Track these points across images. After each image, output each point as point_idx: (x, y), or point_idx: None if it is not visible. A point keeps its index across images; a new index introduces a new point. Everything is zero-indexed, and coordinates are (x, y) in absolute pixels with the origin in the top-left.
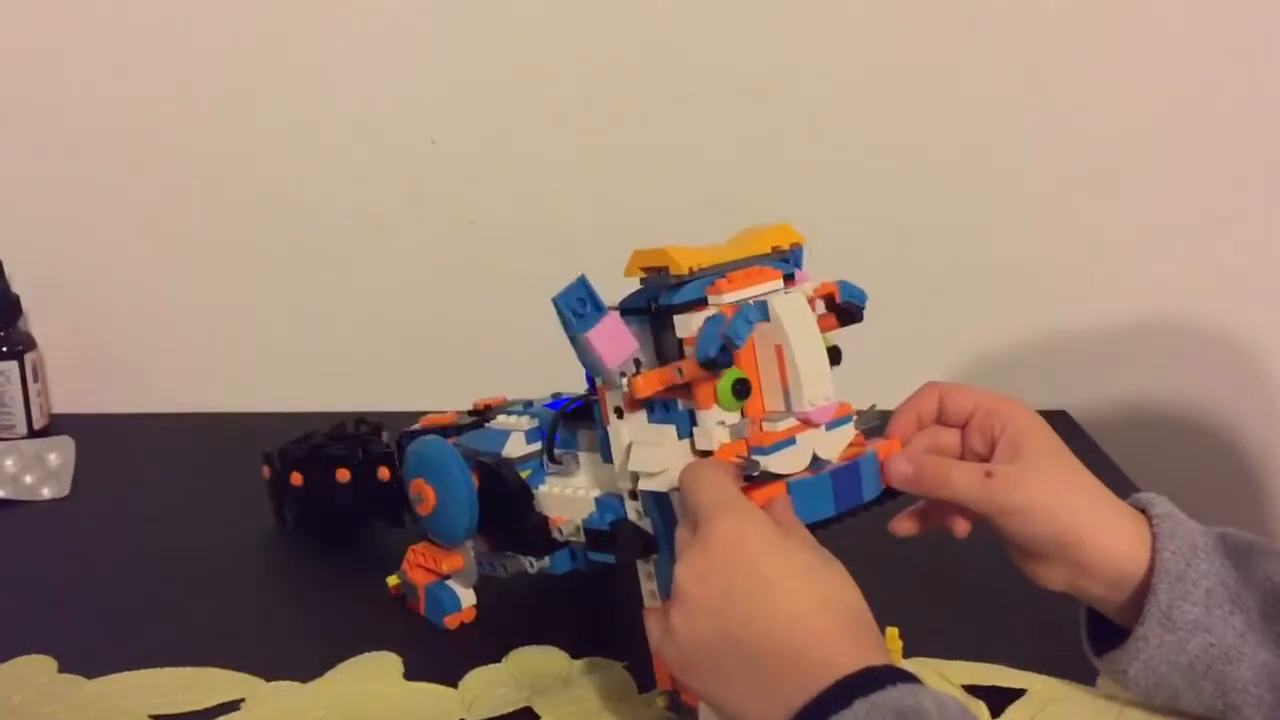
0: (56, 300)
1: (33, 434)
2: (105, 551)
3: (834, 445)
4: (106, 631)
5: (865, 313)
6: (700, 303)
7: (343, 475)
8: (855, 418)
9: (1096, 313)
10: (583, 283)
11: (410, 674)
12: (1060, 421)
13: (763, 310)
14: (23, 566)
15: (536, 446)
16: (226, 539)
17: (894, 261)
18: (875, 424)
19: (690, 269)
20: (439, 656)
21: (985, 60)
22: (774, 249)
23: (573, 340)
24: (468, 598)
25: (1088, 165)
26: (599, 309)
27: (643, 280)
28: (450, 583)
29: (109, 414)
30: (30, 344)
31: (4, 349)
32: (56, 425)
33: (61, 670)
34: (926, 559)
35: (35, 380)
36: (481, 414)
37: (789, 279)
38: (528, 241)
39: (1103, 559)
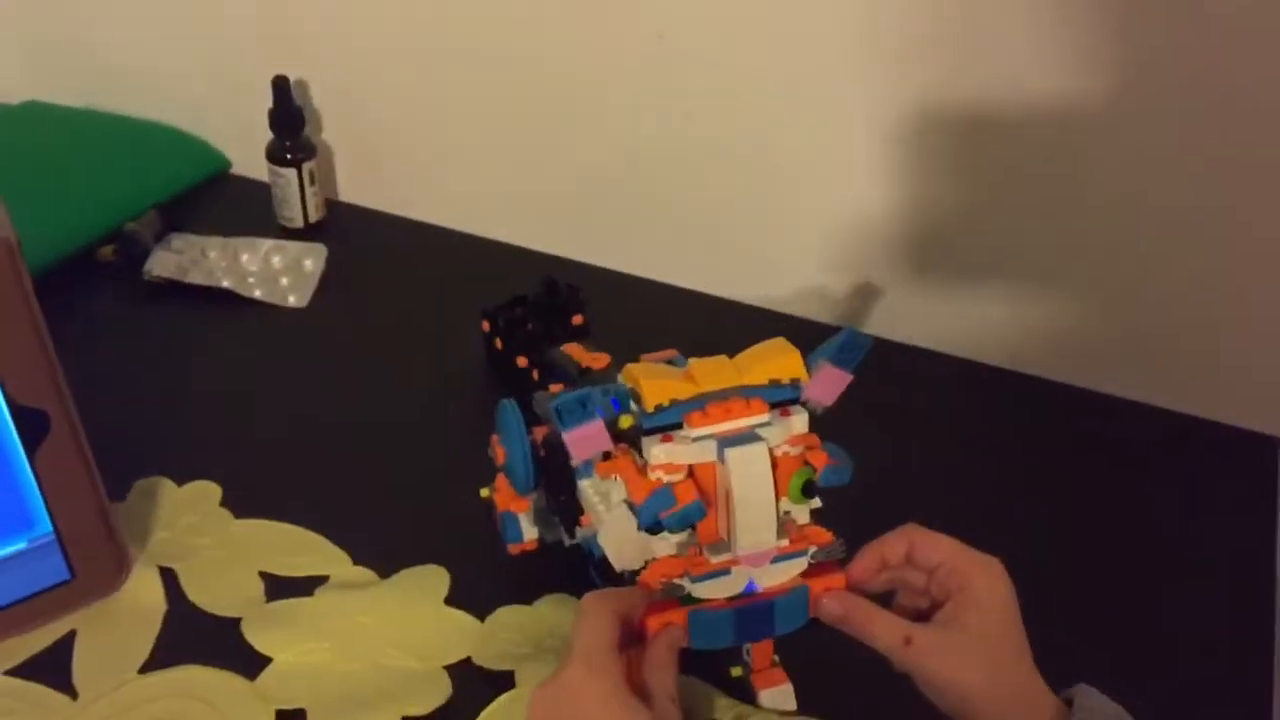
0: (340, 109)
1: (308, 227)
2: (308, 378)
3: (774, 578)
4: (269, 468)
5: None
6: (675, 427)
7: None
8: (814, 551)
9: None
10: (589, 394)
11: (456, 591)
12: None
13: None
14: (240, 376)
15: None
16: (419, 389)
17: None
18: (836, 558)
19: (657, 405)
20: (488, 580)
21: None
22: (771, 381)
23: None
24: (530, 532)
25: None
26: (588, 416)
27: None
28: (520, 515)
29: (380, 211)
30: (311, 152)
31: (288, 156)
32: (332, 216)
33: (222, 503)
34: None
35: (312, 184)
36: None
37: (786, 407)
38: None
39: None
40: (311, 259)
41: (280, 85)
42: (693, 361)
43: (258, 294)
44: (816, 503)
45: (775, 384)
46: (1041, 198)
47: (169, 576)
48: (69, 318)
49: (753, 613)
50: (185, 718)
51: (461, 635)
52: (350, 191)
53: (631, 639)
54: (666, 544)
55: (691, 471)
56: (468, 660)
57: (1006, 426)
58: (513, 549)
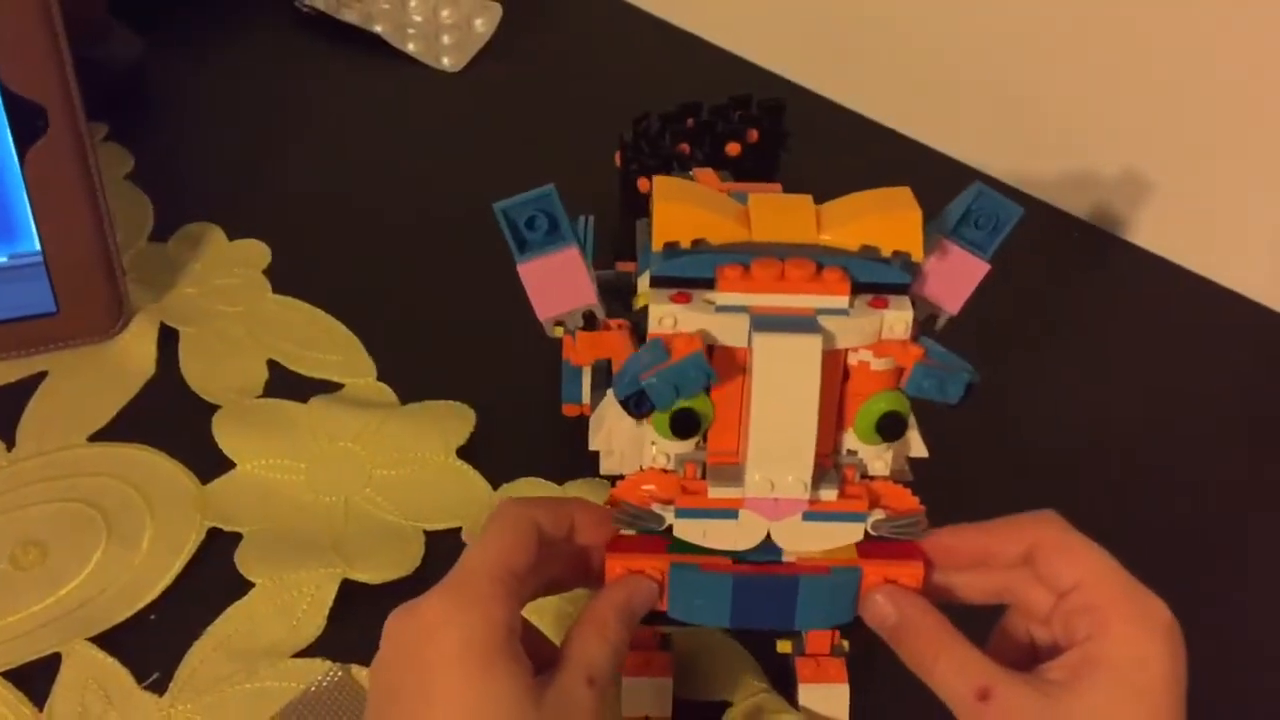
0: None
1: None
2: (430, 155)
3: (806, 542)
4: (336, 242)
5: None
6: (702, 285)
7: None
8: (878, 519)
9: None
10: (547, 196)
11: (477, 443)
12: None
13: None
14: (354, 134)
15: None
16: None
17: None
18: (908, 535)
19: (669, 244)
20: (522, 441)
21: None
22: (864, 247)
23: None
24: (589, 394)
25: None
26: (558, 237)
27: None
28: (585, 374)
29: None
30: None
31: None
32: None
33: (266, 270)
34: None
35: None
36: None
37: (880, 293)
38: None
39: None
40: (484, 19)
41: None
42: (754, 195)
43: (410, 48)
44: (920, 450)
45: (870, 253)
46: None
47: (169, 339)
48: (208, 31)
49: (762, 587)
50: (108, 502)
51: (462, 497)
52: None
53: (588, 578)
54: (661, 451)
55: (711, 358)
56: (457, 532)
57: None
58: (567, 409)
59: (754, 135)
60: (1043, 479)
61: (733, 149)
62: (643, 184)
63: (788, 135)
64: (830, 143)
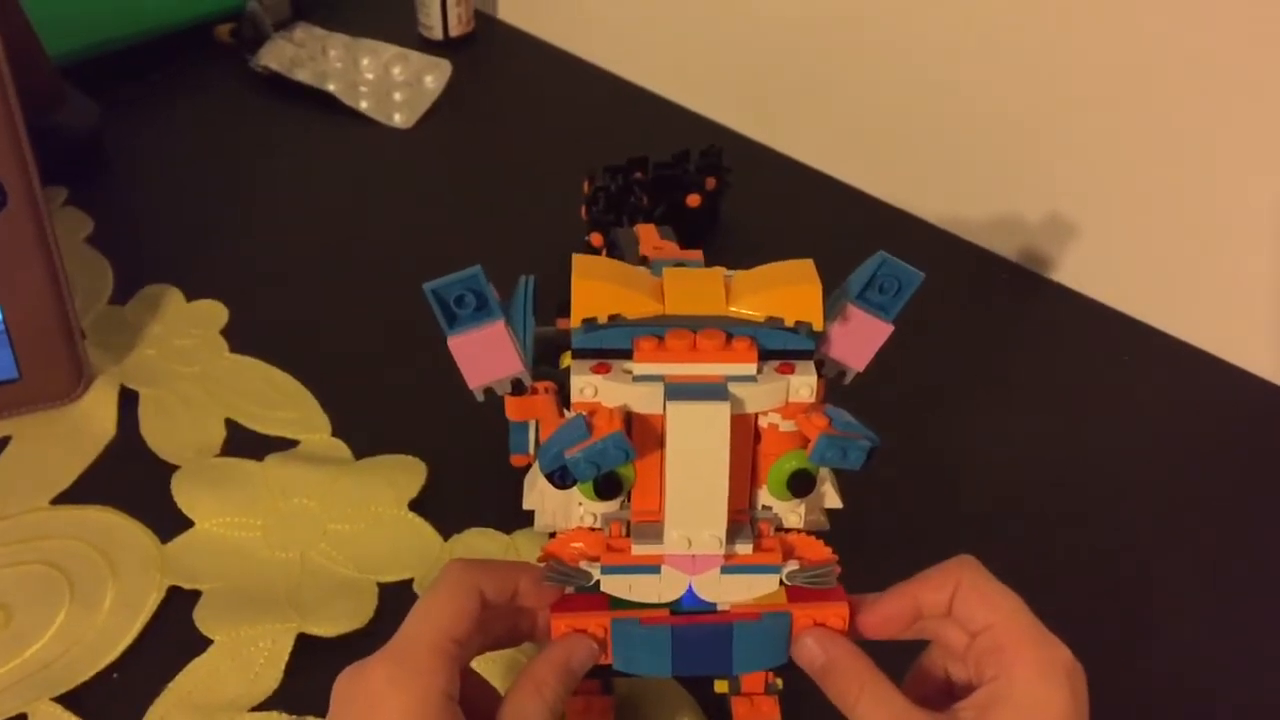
0: None
1: (448, 41)
2: (382, 211)
3: (726, 591)
4: (291, 301)
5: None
6: (621, 355)
7: None
8: (792, 570)
9: None
10: (474, 276)
11: (428, 496)
12: None
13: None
14: (308, 193)
15: None
16: (503, 253)
17: None
18: (821, 584)
19: (587, 319)
20: (472, 493)
21: None
22: (770, 318)
23: None
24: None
25: None
26: (485, 313)
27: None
28: (531, 427)
29: (535, 37)
30: None
31: None
32: (480, 33)
33: (223, 330)
34: None
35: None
36: None
37: (790, 361)
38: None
39: None
40: (433, 76)
41: None
42: (668, 270)
43: (363, 106)
44: (834, 501)
45: (775, 323)
46: None
47: (129, 400)
48: (164, 93)
49: (700, 636)
50: (71, 564)
51: (414, 549)
52: (509, 9)
53: (532, 635)
54: (588, 511)
55: (630, 425)
56: (409, 583)
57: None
58: (515, 459)
59: (711, 183)
60: (974, 516)
61: (693, 200)
62: (595, 239)
63: (728, 184)
64: (764, 187)
